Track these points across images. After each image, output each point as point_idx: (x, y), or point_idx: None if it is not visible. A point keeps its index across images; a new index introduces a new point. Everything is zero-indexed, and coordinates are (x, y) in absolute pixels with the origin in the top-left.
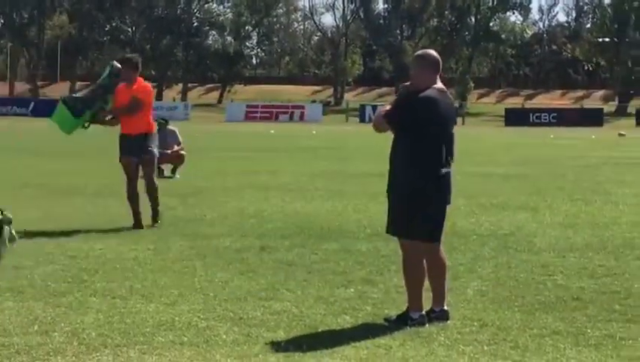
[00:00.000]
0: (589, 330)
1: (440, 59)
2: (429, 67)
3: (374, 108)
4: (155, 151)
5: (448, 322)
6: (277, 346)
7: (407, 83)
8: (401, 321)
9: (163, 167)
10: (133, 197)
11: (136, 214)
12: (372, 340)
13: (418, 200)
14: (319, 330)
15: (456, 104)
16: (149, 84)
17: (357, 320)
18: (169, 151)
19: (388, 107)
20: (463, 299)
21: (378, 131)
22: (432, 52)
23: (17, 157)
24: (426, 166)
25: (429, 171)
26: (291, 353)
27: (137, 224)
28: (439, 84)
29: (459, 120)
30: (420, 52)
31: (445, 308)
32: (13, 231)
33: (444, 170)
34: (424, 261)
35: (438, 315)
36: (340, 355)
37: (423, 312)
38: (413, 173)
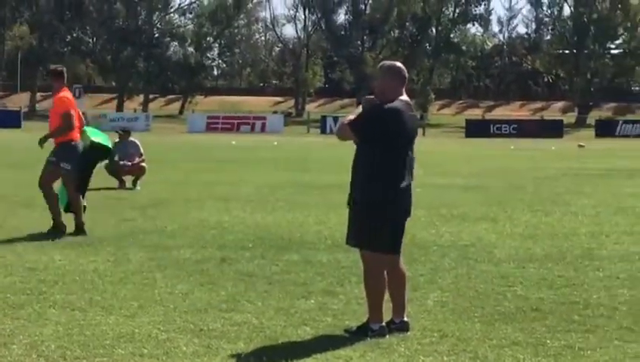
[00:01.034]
0: (548, 341)
1: (406, 71)
2: (397, 79)
3: (335, 119)
4: (65, 166)
5: (408, 333)
6: (237, 358)
7: (371, 97)
8: (362, 332)
9: (124, 178)
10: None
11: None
12: (332, 351)
13: (380, 212)
14: (279, 342)
15: (418, 115)
16: (64, 94)
17: (317, 332)
18: (130, 163)
19: (352, 116)
20: (423, 309)
21: (342, 139)
22: (399, 64)
23: None
24: (388, 178)
25: (392, 183)
26: None
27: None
28: (405, 97)
29: (420, 131)
30: (387, 63)
31: (405, 319)
32: None
33: (405, 182)
34: (385, 272)
35: (399, 326)
36: None
37: (383, 323)
38: (376, 185)
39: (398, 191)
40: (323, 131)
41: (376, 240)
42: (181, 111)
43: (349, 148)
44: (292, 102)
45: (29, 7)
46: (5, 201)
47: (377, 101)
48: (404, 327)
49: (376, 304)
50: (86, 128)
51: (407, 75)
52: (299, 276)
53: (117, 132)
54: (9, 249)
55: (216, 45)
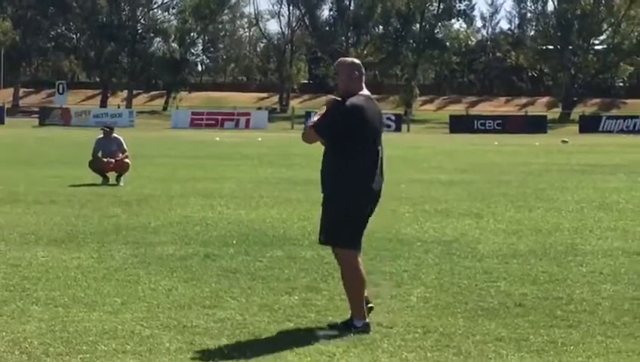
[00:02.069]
0: (531, 336)
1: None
2: (357, 73)
3: None
4: None
5: (392, 329)
6: (220, 354)
7: (332, 96)
8: (346, 329)
9: (108, 174)
10: None
11: None
12: (315, 347)
13: (347, 208)
14: (263, 338)
15: (401, 111)
16: None
17: (301, 328)
18: (114, 160)
19: (315, 118)
20: (407, 305)
21: (307, 142)
22: (356, 59)
23: None
24: (355, 174)
25: (359, 179)
26: (235, 360)
27: None
28: (366, 91)
29: (404, 127)
30: (347, 59)
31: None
32: None
33: (373, 179)
34: (362, 268)
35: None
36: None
37: (367, 320)
38: (343, 181)
39: (364, 188)
40: None
41: (342, 235)
42: (165, 107)
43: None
44: (276, 98)
45: (12, 2)
46: None
47: (339, 99)
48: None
49: (358, 301)
50: None
51: (362, 68)
52: (282, 272)
53: (101, 128)
54: None
55: (200, 41)
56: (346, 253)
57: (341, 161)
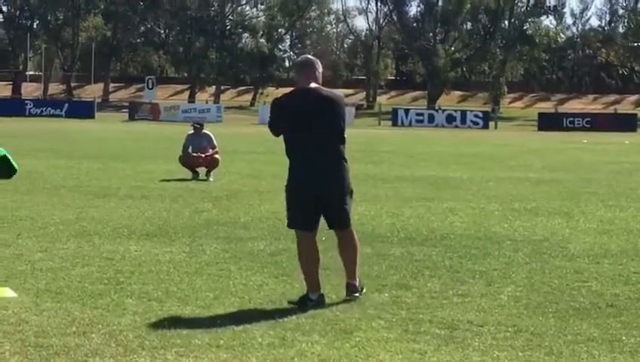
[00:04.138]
0: (624, 337)
1: (308, 62)
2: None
3: (407, 111)
4: None
5: (483, 328)
6: (312, 350)
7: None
8: (302, 303)
9: (198, 170)
10: None
11: None
12: (406, 345)
13: (289, 193)
14: (354, 334)
15: (489, 108)
16: None
17: (392, 325)
18: (203, 155)
19: None
20: (497, 304)
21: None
22: (303, 57)
23: (52, 159)
24: (292, 160)
25: (294, 164)
26: (326, 357)
27: None
28: (306, 84)
29: (491, 124)
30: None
31: (353, 282)
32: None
33: (308, 163)
34: (313, 248)
35: (348, 288)
36: (375, 360)
37: (321, 292)
38: (289, 168)
39: (295, 173)
40: (394, 123)
41: (290, 219)
42: (252, 103)
43: (421, 143)
44: (363, 94)
45: None
46: (80, 192)
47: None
48: (349, 288)
49: (307, 276)
50: None
51: (308, 64)
52: (372, 269)
53: (191, 125)
54: (86, 239)
55: (288, 37)
56: (296, 234)
57: (285, 150)
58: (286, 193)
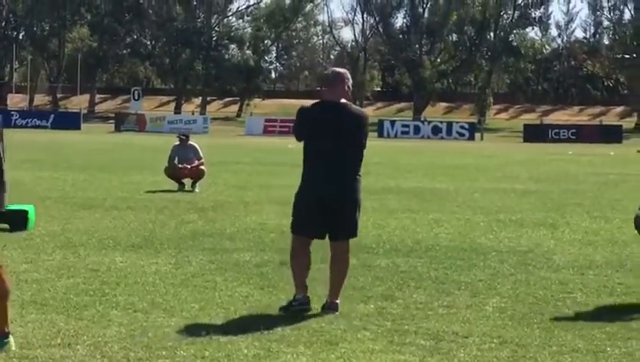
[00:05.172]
0: (608, 348)
1: (339, 76)
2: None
3: (393, 123)
4: None
5: (469, 339)
6: (298, 361)
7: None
8: (287, 307)
9: (184, 180)
10: None
11: None
12: (391, 356)
13: (296, 198)
14: (339, 346)
15: (475, 119)
16: None
17: (377, 336)
18: (189, 166)
19: None
20: (482, 315)
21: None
22: (334, 70)
23: (38, 170)
24: (304, 167)
25: (305, 172)
26: None
27: None
28: (336, 98)
29: (477, 135)
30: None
31: (334, 300)
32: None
33: (317, 172)
34: (306, 254)
35: (326, 306)
36: None
37: (307, 294)
38: (302, 173)
39: (308, 180)
40: (380, 135)
41: (294, 224)
42: (239, 114)
43: (407, 154)
44: None
45: (90, 9)
46: (66, 203)
47: None
48: (330, 306)
49: (295, 276)
50: None
51: (332, 77)
52: (357, 280)
53: (177, 136)
54: (71, 250)
55: (274, 48)
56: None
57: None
58: (295, 199)
